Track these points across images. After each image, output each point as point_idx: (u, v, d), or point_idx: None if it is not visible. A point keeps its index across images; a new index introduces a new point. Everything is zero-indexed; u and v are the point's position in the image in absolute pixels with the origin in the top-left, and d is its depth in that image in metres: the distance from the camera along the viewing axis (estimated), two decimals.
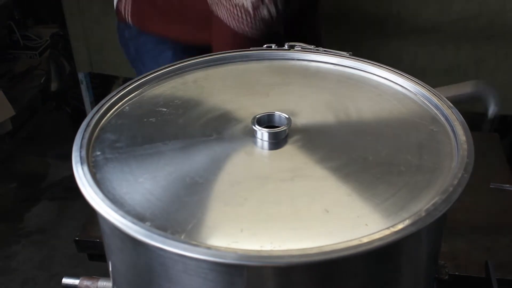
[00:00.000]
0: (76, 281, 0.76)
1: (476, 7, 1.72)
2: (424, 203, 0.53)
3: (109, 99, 0.72)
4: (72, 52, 2.40)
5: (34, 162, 2.44)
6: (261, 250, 0.49)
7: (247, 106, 0.74)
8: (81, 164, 0.59)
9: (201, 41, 1.25)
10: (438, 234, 0.62)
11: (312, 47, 0.85)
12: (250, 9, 1.09)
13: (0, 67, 2.55)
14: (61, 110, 2.75)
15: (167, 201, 0.56)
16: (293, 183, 0.59)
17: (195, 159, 0.63)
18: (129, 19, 1.41)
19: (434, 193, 0.55)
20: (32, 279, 1.81)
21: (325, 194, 0.57)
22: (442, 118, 0.69)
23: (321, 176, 0.60)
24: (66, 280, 0.77)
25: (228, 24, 1.13)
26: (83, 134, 0.64)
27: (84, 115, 0.69)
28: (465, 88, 0.94)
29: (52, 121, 2.70)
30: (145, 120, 0.71)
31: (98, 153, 0.63)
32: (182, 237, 0.51)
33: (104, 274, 0.74)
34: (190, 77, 0.82)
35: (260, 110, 0.69)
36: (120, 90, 0.75)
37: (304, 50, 0.86)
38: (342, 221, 0.53)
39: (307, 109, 0.74)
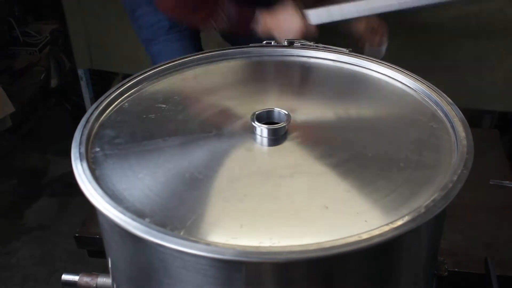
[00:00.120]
0: (75, 278, 0.76)
1: (477, 4, 1.71)
2: (424, 200, 0.53)
3: (109, 95, 0.72)
4: (72, 49, 2.40)
5: (34, 159, 2.43)
6: (260, 246, 0.49)
7: (247, 103, 0.73)
8: (81, 160, 0.59)
9: None
10: (438, 230, 0.62)
11: (311, 43, 0.85)
12: None
13: None
14: (61, 107, 2.74)
15: (166, 197, 0.56)
16: (293, 179, 0.59)
17: (195, 155, 0.63)
18: None
19: (433, 190, 0.55)
20: (32, 275, 1.81)
21: (325, 191, 0.57)
22: (442, 115, 0.69)
23: (320, 172, 0.60)
24: (65, 277, 0.77)
25: None
26: (83, 131, 0.64)
27: (84, 112, 0.69)
28: None
29: (52, 118, 2.70)
30: (144, 116, 0.71)
31: (98, 149, 0.63)
32: (181, 233, 0.51)
33: (103, 270, 0.75)
34: (190, 73, 0.82)
35: (260, 107, 0.69)
36: (120, 87, 0.74)
37: (303, 46, 0.85)
38: (342, 217, 0.53)
39: (307, 105, 0.74)
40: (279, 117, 0.68)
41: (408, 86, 0.75)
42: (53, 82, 2.70)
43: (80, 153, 0.60)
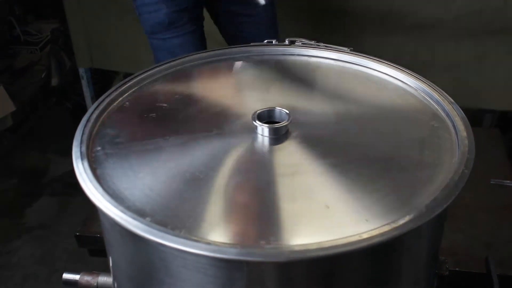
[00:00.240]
0: (76, 277, 0.76)
1: (478, 3, 1.71)
2: (425, 199, 0.53)
3: (109, 94, 0.72)
4: (72, 48, 2.40)
5: (35, 158, 2.43)
6: (260, 246, 0.49)
7: (248, 102, 0.73)
8: (81, 159, 0.59)
9: None
10: (439, 230, 0.62)
11: (312, 42, 0.85)
12: None
13: (0, 62, 2.55)
14: (62, 106, 2.75)
15: (167, 197, 0.56)
16: (294, 178, 0.59)
17: (196, 155, 0.63)
18: None
19: (434, 189, 0.55)
20: (33, 274, 1.81)
21: (326, 190, 0.57)
22: (443, 114, 0.68)
23: (321, 171, 0.60)
24: (66, 276, 0.77)
25: None
26: (83, 130, 0.64)
27: (84, 111, 0.69)
28: None
29: (53, 117, 2.70)
30: (145, 115, 0.71)
31: (98, 148, 0.63)
32: (182, 232, 0.51)
33: (104, 269, 0.75)
34: (190, 72, 0.82)
35: (261, 106, 0.69)
36: (121, 86, 0.74)
37: (304, 45, 0.85)
38: (343, 216, 0.53)
39: (308, 104, 0.74)
40: (280, 116, 0.68)
41: (409, 85, 0.75)
42: (54, 81, 2.70)
43: (81, 152, 0.60)
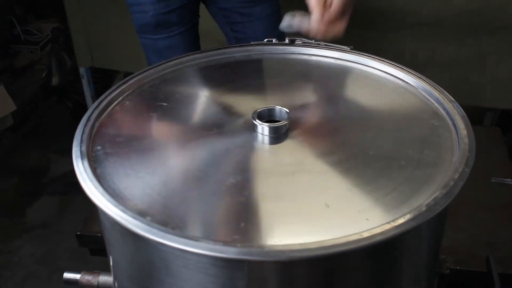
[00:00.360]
0: (77, 276, 0.76)
1: (479, 1, 1.71)
2: (425, 198, 0.53)
3: (110, 93, 0.72)
4: (73, 47, 2.40)
5: (36, 157, 2.43)
6: (261, 245, 0.49)
7: (248, 101, 0.73)
8: (82, 159, 0.59)
9: None
10: (439, 228, 0.62)
11: (313, 41, 0.85)
12: None
13: (1, 62, 2.55)
14: (62, 105, 2.74)
15: (167, 196, 0.56)
16: (294, 177, 0.59)
17: (196, 154, 0.63)
18: None
19: (435, 188, 0.55)
20: (34, 273, 1.81)
21: (326, 189, 0.57)
22: (443, 112, 0.68)
23: (321, 170, 0.60)
24: (67, 275, 0.77)
25: None
26: (84, 129, 0.64)
27: (85, 110, 0.69)
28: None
29: (53, 116, 2.70)
30: (145, 114, 0.71)
31: (99, 147, 0.63)
32: (183, 231, 0.51)
33: (105, 269, 0.75)
34: (190, 71, 0.82)
35: (261, 105, 0.69)
36: (121, 85, 0.74)
37: (305, 44, 0.85)
38: (343, 215, 0.53)
39: (308, 103, 0.74)
40: (281, 115, 0.68)
41: (409, 83, 0.75)
42: (54, 80, 2.70)
43: (81, 152, 0.60)
